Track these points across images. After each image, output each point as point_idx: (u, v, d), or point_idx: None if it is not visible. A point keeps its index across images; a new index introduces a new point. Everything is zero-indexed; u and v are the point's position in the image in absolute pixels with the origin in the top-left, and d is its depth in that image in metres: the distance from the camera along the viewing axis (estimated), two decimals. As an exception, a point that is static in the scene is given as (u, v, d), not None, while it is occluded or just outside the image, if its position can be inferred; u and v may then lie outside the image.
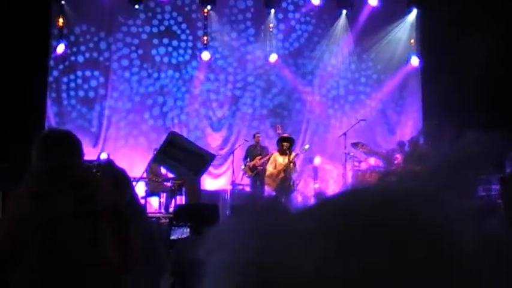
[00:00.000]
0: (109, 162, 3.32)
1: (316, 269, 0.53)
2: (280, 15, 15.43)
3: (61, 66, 14.58)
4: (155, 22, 15.04)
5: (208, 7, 14.89)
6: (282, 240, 0.56)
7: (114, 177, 3.17)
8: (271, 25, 15.26)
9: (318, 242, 0.54)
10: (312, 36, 15.59)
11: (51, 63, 14.48)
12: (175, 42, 15.08)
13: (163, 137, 11.29)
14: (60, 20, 14.43)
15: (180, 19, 15.11)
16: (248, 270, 0.56)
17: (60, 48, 14.35)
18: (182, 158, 8.56)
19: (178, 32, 15.11)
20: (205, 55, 14.87)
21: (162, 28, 15.05)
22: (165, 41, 15.02)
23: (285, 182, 12.34)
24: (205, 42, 14.98)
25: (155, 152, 9.00)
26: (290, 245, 0.55)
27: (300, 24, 15.54)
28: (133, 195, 3.33)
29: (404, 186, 0.60)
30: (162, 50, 15.01)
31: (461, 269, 0.53)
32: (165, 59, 15.02)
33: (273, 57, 15.09)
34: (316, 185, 13.63)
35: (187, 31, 15.16)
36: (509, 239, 0.57)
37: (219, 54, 15.22)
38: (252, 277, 0.55)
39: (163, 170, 13.36)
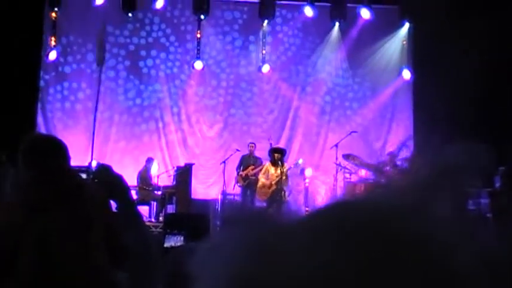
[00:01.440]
0: (106, 168, 3.26)
1: (308, 282, 0.52)
2: (273, 26, 15.46)
3: (47, 77, 14.47)
4: (143, 33, 15.02)
5: (202, 16, 14.89)
6: (274, 253, 0.55)
7: (111, 184, 3.12)
8: (264, 36, 15.29)
9: (310, 255, 0.54)
10: (305, 48, 15.63)
11: (41, 73, 14.37)
12: (163, 54, 15.06)
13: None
14: (53, 15, 14.30)
15: (168, 31, 15.11)
16: (241, 285, 0.55)
17: (52, 55, 14.25)
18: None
19: (167, 44, 15.11)
20: (198, 64, 14.87)
21: (151, 40, 15.04)
22: (153, 52, 15.00)
23: (277, 193, 12.34)
24: (197, 52, 14.97)
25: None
26: (282, 258, 0.55)
27: (293, 36, 15.58)
28: (132, 201, 3.29)
29: (392, 198, 0.60)
30: (150, 61, 14.98)
31: (460, 281, 0.53)
32: (153, 72, 15.00)
33: (266, 68, 15.11)
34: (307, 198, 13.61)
35: (176, 43, 15.15)
36: (502, 252, 0.57)
37: (212, 64, 15.22)
38: None
39: (154, 180, 13.37)
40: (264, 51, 15.25)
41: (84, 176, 8.72)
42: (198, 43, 15.00)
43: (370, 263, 0.52)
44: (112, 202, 3.19)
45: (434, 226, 0.56)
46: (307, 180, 13.53)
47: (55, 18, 14.32)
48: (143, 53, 14.99)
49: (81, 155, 13.53)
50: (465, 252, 0.54)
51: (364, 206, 0.59)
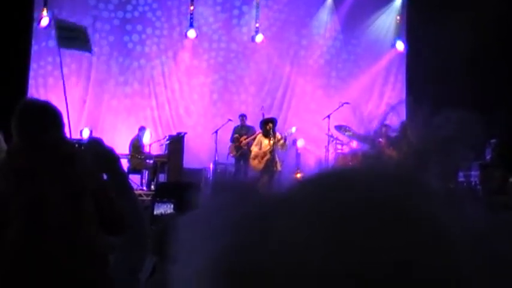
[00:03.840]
0: (96, 141, 3.24)
1: (303, 254, 0.53)
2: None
3: (31, 51, 14.25)
4: (129, 8, 14.86)
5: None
6: (266, 222, 0.55)
7: (102, 156, 3.12)
8: (257, 5, 15.17)
9: (305, 225, 0.54)
10: (298, 18, 15.53)
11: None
12: (149, 29, 14.91)
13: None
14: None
15: (155, 6, 14.96)
16: (234, 257, 0.55)
17: (44, 22, 14.03)
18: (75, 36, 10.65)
19: (153, 18, 14.95)
20: (191, 33, 14.76)
21: (137, 14, 14.88)
22: (139, 27, 14.86)
23: (270, 163, 12.35)
24: (190, 21, 14.83)
25: (58, 41, 10.38)
26: (275, 227, 0.55)
27: (286, 6, 15.46)
28: (122, 173, 3.28)
29: (382, 169, 0.60)
30: (135, 37, 14.87)
31: (447, 253, 0.54)
32: (138, 47, 14.87)
33: (259, 38, 15.04)
34: (298, 174, 13.58)
35: (163, 18, 14.99)
36: (491, 224, 0.58)
37: (204, 33, 15.12)
38: (240, 263, 0.54)
39: (146, 148, 13.36)
40: (257, 21, 15.15)
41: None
42: (191, 12, 14.87)
43: (356, 232, 0.53)
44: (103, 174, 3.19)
45: (424, 196, 0.56)
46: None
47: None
48: (129, 27, 14.85)
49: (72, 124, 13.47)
50: (454, 223, 0.55)
51: (353, 176, 0.59)
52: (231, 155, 13.54)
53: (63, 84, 10.27)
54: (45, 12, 13.97)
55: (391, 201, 0.55)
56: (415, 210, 0.54)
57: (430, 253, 0.53)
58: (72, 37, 10.57)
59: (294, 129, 13.28)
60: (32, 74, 14.24)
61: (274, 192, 0.59)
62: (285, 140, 12.66)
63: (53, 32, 14.01)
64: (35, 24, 14.07)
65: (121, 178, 3.18)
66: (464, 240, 0.54)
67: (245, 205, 0.58)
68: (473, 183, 11.73)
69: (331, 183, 0.58)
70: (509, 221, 0.59)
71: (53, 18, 10.46)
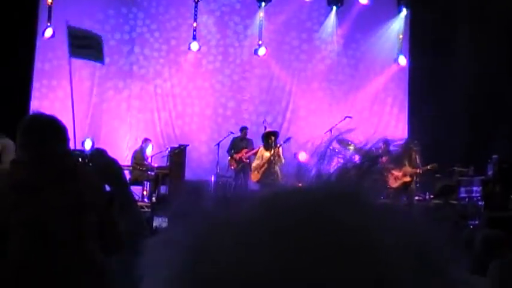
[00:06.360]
0: (100, 152, 3.23)
1: (244, 275, 0.53)
2: (271, 10, 15.38)
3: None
4: (127, 28, 14.92)
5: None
6: (211, 249, 0.56)
7: (106, 167, 3.10)
8: (260, 19, 15.22)
9: (244, 250, 0.55)
10: (301, 32, 15.59)
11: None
12: (147, 51, 14.97)
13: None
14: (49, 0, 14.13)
15: (154, 27, 15.03)
16: (182, 283, 0.56)
17: (48, 33, 14.01)
18: (87, 44, 10.10)
19: (151, 39, 15.02)
20: (194, 46, 14.77)
21: (134, 35, 14.94)
22: (137, 49, 14.94)
23: (269, 174, 12.32)
24: (194, 34, 14.87)
25: (70, 50, 9.81)
26: (219, 254, 0.55)
27: (290, 20, 15.51)
28: (126, 185, 3.27)
29: (324, 186, 0.62)
30: (133, 57, 14.93)
31: (384, 267, 0.53)
32: (137, 66, 14.93)
33: (262, 51, 15.07)
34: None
35: (161, 39, 15.06)
36: (428, 235, 0.58)
37: (207, 47, 15.16)
38: (194, 281, 0.55)
39: (148, 160, 13.35)
40: (260, 35, 15.18)
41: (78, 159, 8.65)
42: (195, 26, 14.90)
43: (296, 254, 0.53)
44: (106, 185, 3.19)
45: (359, 213, 0.56)
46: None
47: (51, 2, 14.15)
48: (126, 48, 14.89)
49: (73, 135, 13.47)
50: (390, 238, 0.55)
51: (294, 195, 0.61)
52: (231, 167, 13.53)
53: (72, 96, 9.99)
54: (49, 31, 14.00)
55: (323, 221, 0.56)
56: (346, 225, 0.55)
57: (358, 263, 0.53)
58: (85, 45, 10.06)
59: (290, 138, 13.19)
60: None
61: (220, 216, 0.60)
62: (280, 145, 12.61)
63: (51, 53, 14.13)
64: (38, 39, 14.07)
65: (124, 189, 3.17)
66: (398, 250, 0.54)
67: (193, 231, 0.59)
68: (475, 199, 11.71)
69: (267, 207, 0.59)
70: (451, 232, 0.60)
71: (66, 25, 10.01)
